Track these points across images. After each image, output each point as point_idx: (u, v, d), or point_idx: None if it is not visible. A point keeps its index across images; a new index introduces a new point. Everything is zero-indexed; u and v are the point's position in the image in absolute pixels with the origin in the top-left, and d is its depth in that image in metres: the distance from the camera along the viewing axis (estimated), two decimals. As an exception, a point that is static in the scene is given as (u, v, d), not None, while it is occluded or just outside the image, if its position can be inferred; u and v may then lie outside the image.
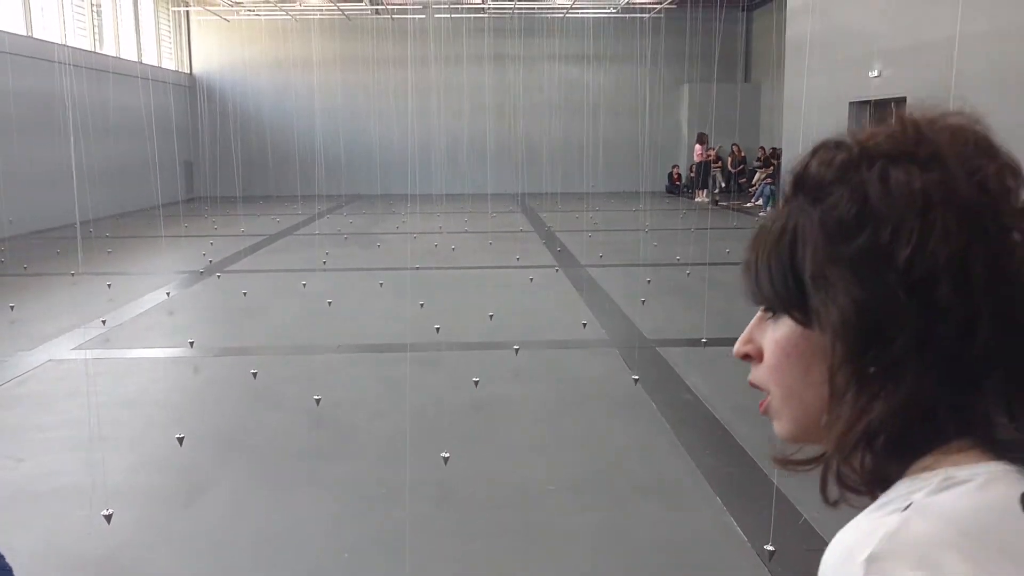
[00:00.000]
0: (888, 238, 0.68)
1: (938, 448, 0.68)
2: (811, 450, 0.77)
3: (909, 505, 0.64)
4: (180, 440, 5.09)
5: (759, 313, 0.78)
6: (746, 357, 0.79)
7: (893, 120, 0.74)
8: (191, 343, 7.42)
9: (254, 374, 6.38)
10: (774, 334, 0.76)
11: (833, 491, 0.73)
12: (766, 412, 0.79)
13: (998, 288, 0.67)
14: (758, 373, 0.78)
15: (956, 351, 0.67)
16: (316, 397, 5.78)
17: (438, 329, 7.52)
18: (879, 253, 0.68)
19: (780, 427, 0.78)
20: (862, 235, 0.69)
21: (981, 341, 0.66)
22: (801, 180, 0.75)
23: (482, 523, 4.16)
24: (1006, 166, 0.71)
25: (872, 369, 0.68)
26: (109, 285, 10.00)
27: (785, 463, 0.80)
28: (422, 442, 5.06)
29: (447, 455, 4.56)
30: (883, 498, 0.68)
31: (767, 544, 3.75)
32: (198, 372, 7.02)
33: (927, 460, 0.68)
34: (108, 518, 3.96)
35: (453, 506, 4.32)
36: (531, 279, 10.52)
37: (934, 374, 0.67)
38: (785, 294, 0.74)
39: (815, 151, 0.76)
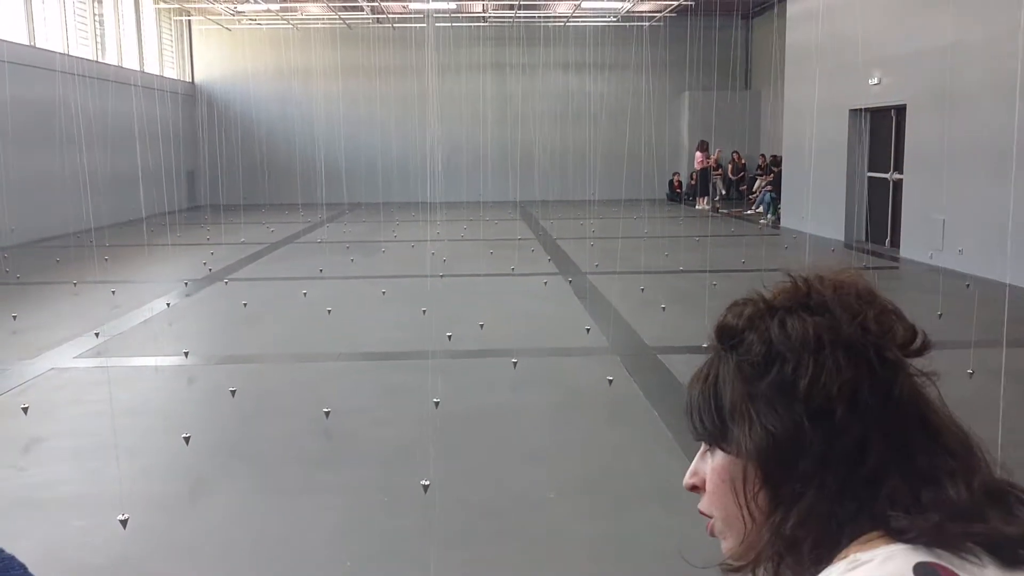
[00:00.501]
0: (791, 374, 0.80)
1: (849, 544, 0.78)
2: (740, 562, 0.87)
3: None
4: (187, 439, 5.13)
5: (701, 448, 0.91)
6: (694, 488, 0.92)
7: (790, 280, 0.88)
8: (186, 353, 7.36)
9: (232, 392, 6.13)
10: (712, 464, 0.88)
11: None
12: (712, 534, 0.90)
13: (885, 412, 0.79)
14: (704, 501, 0.90)
15: (854, 466, 0.78)
16: (325, 410, 5.65)
17: (450, 337, 7.47)
18: (785, 388, 0.80)
19: (726, 546, 0.88)
20: (771, 373, 0.81)
21: (874, 457, 0.78)
22: (720, 331, 0.88)
23: (483, 531, 4.16)
24: (885, 309, 0.84)
25: (784, 489, 0.80)
26: (114, 292, 9.99)
27: (725, 569, 0.89)
28: (424, 450, 5.06)
29: (427, 483, 4.30)
30: None
31: None
32: (200, 380, 7.02)
33: (841, 554, 0.77)
34: (124, 523, 3.89)
35: (455, 514, 4.32)
36: (544, 283, 10.53)
37: (836, 487, 0.78)
38: (712, 429, 0.87)
39: (730, 307, 0.89)
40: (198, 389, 6.84)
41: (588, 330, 7.96)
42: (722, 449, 0.86)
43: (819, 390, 0.79)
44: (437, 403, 5.66)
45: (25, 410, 5.60)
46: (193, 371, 7.21)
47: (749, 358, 0.83)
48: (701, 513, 0.91)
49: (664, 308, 9.01)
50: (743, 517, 0.84)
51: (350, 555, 3.94)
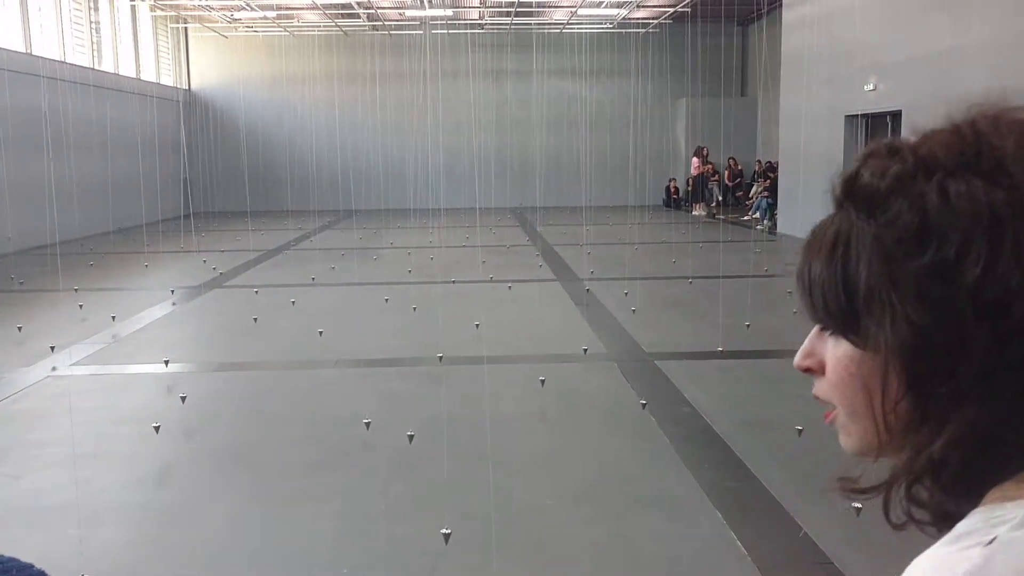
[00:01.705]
0: (953, 258, 0.62)
1: (1014, 477, 0.62)
2: (875, 477, 0.71)
3: (993, 539, 0.59)
4: (156, 428, 5.32)
5: (817, 326, 0.74)
6: (808, 371, 0.74)
7: (948, 122, 0.68)
8: (166, 362, 7.23)
9: (183, 398, 6.11)
10: (835, 351, 0.71)
11: (896, 513, 0.69)
12: (832, 424, 0.74)
13: None
14: (822, 387, 0.73)
15: None
16: (366, 421, 5.47)
17: (441, 358, 7.22)
18: (943, 274, 0.62)
19: (846, 442, 0.73)
20: (925, 254, 0.63)
21: None
22: (852, 189, 0.70)
23: (481, 538, 4.15)
24: None
25: (934, 399, 0.64)
26: (81, 306, 9.66)
27: (850, 490, 0.74)
28: (423, 457, 5.06)
29: (447, 531, 3.90)
30: (959, 528, 0.62)
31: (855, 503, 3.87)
32: (197, 387, 7.00)
33: (1006, 489, 0.63)
34: None
35: (453, 521, 4.30)
36: (531, 294, 10.52)
37: (1004, 403, 0.62)
38: (838, 314, 0.69)
39: (866, 158, 0.70)
40: (194, 396, 6.81)
41: (586, 351, 7.59)
42: (849, 340, 0.69)
43: (994, 280, 0.61)
44: (411, 436, 5.24)
45: None
46: (190, 378, 7.19)
47: (895, 232, 0.65)
48: (817, 399, 0.75)
49: (633, 311, 9.06)
50: (877, 428, 0.68)
51: (348, 563, 3.93)
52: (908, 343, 0.64)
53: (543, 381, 6.39)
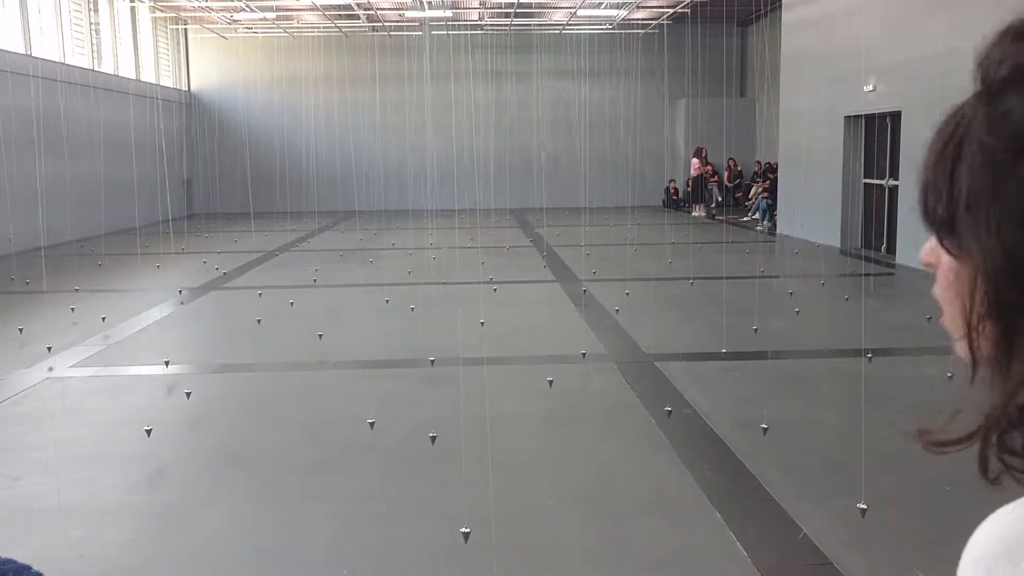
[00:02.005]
0: None
1: None
2: (960, 429, 0.62)
3: None
4: (148, 432, 5.27)
5: None
6: (929, 266, 0.66)
7: None
8: (166, 362, 7.20)
9: (188, 394, 6.17)
10: (946, 255, 0.63)
11: (993, 465, 0.61)
12: (943, 326, 0.67)
13: None
14: (937, 287, 0.65)
15: None
16: (370, 420, 5.48)
17: (432, 362, 7.09)
18: None
19: (956, 346, 0.65)
20: None
21: None
22: (980, 75, 0.60)
23: (482, 539, 4.15)
24: None
25: (1021, 330, 0.56)
26: (73, 308, 9.64)
27: (932, 443, 0.63)
28: (423, 458, 5.06)
29: (467, 530, 3.87)
30: None
31: (860, 503, 3.97)
32: (196, 389, 7.00)
33: None
34: None
35: (453, 523, 4.30)
36: (531, 295, 10.52)
37: None
38: (935, 218, 0.61)
39: (998, 39, 0.60)
40: (194, 397, 6.81)
41: (584, 354, 7.51)
42: (943, 247, 0.62)
43: None
44: (434, 438, 5.19)
45: None
46: (190, 380, 7.19)
47: (1004, 132, 0.56)
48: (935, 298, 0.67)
49: (617, 310, 9.09)
50: (967, 345, 0.61)
51: (348, 564, 3.93)
52: (996, 263, 0.56)
53: (551, 382, 6.38)
